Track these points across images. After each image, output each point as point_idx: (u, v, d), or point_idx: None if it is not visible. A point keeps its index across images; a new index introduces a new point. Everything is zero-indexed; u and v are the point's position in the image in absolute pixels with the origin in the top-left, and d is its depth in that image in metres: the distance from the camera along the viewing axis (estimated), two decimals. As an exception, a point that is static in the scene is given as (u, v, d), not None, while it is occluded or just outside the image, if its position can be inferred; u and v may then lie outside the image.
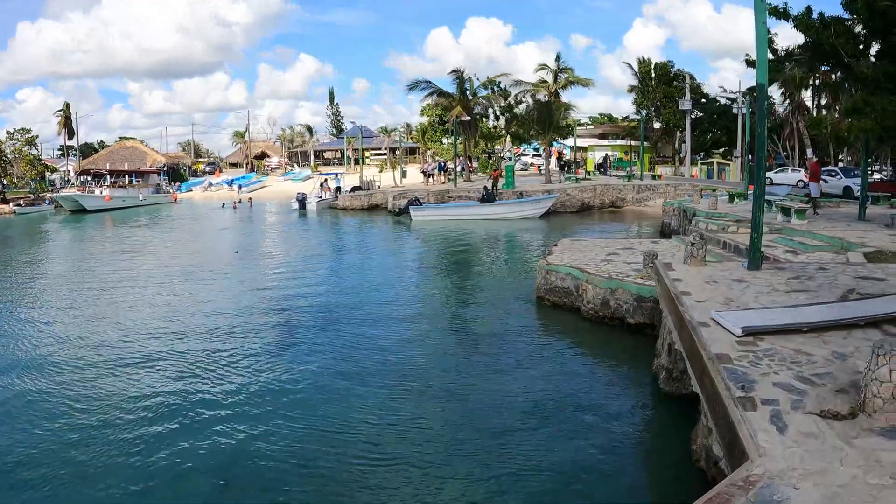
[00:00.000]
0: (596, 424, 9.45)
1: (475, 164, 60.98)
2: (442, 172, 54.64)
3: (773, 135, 47.00)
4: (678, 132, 56.96)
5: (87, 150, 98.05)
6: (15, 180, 67.20)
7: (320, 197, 51.76)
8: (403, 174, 59.81)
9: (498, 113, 55.37)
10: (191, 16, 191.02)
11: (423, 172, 56.36)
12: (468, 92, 51.35)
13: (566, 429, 9.31)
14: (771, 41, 18.53)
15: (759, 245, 11.45)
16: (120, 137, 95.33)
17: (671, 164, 58.88)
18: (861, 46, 17.53)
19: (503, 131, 56.10)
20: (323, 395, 10.92)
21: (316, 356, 13.17)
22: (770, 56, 18.68)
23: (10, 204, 59.32)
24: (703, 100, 58.56)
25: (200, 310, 17.70)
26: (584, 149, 68.59)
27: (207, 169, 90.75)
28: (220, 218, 48.61)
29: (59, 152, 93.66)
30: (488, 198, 39.86)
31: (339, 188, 52.75)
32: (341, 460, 8.50)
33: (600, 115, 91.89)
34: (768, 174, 46.62)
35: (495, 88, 53.54)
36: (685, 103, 53.05)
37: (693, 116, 56.18)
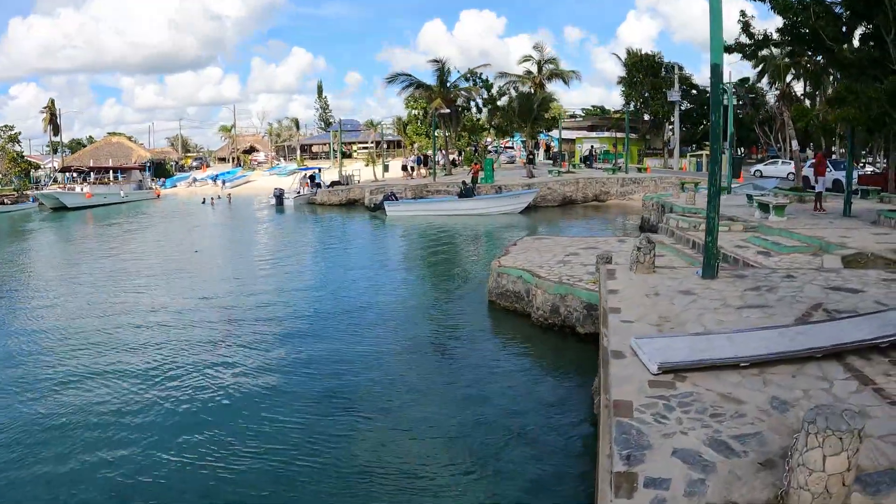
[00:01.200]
0: (523, 456, 7.98)
1: (461, 158, 59.32)
2: (421, 166, 52.94)
3: (765, 127, 45.34)
4: (667, 124, 55.19)
5: (77, 147, 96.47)
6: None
7: (298, 192, 50.14)
8: (385, 168, 58.16)
9: (480, 105, 53.54)
10: (182, 10, 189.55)
11: (404, 167, 54.72)
12: (448, 84, 49.50)
13: (490, 458, 8.01)
14: (748, 24, 16.93)
15: (715, 250, 9.84)
16: (108, 133, 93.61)
17: (661, 156, 57.12)
18: (844, 30, 15.86)
19: (486, 124, 54.21)
20: (233, 407, 10.12)
21: (235, 365, 12.24)
22: (746, 40, 17.09)
23: (-5, 201, 57.89)
24: (694, 91, 56.80)
25: (130, 314, 16.62)
26: (573, 141, 66.90)
27: (195, 164, 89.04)
28: (195, 215, 47.17)
29: (49, 149, 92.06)
30: (467, 192, 38.28)
31: (318, 183, 50.97)
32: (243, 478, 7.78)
33: (593, 107, 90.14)
34: (758, 166, 45.11)
35: (477, 80, 51.78)
36: (673, 94, 51.27)
37: (683, 108, 54.48)
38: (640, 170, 46.66)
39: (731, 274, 10.17)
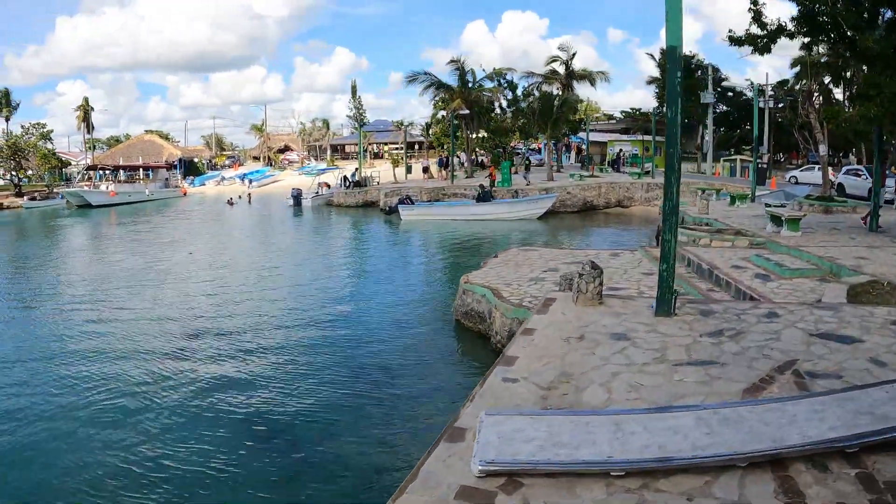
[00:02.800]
0: None
1: (486, 160, 57.20)
2: (442, 168, 50.98)
3: (804, 131, 42.27)
4: (701, 127, 52.22)
5: (115, 144, 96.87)
6: (29, 174, 65.88)
7: (316, 193, 48.65)
8: (408, 170, 56.38)
9: (504, 106, 51.24)
10: (224, 9, 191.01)
11: (425, 168, 52.90)
12: (470, 84, 47.37)
13: None
14: (759, 13, 14.57)
15: (670, 283, 7.72)
16: (145, 130, 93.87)
17: (694, 160, 54.11)
18: (866, 16, 13.43)
19: (511, 125, 51.89)
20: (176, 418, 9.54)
21: (174, 379, 11.45)
22: (758, 31, 14.77)
23: (25, 197, 58.08)
24: (730, 93, 53.70)
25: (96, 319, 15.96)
26: (604, 144, 64.26)
27: (227, 163, 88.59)
28: (211, 214, 46.35)
29: (87, 146, 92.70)
30: (484, 196, 36.28)
31: (356, 182, 49.29)
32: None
33: (632, 109, 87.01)
34: (794, 173, 42.09)
35: (502, 81, 49.56)
36: (707, 96, 48.28)
37: (718, 111, 51.52)
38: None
39: (697, 310, 8.00)
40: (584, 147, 63.95)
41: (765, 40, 14.52)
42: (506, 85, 49.65)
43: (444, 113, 52.09)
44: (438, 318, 15.39)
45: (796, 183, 38.43)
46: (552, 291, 9.83)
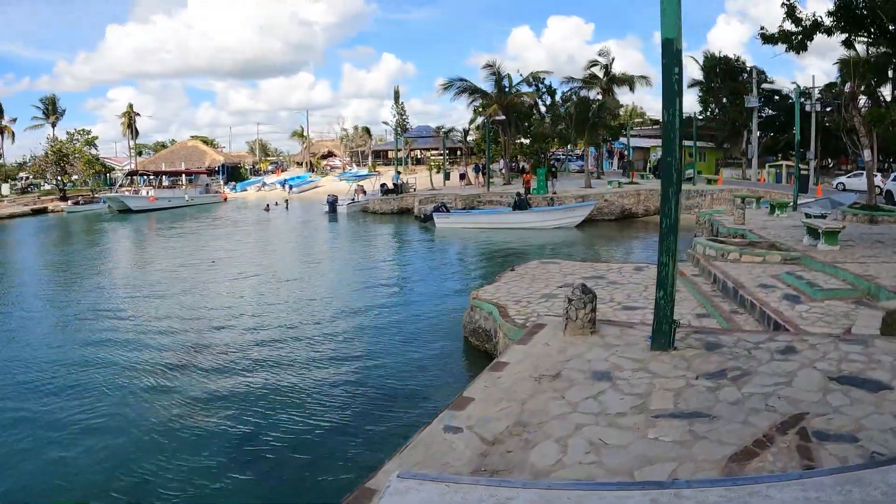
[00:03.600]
0: None
1: (528, 166, 56.09)
2: (479, 174, 50.07)
3: (853, 135, 40.25)
4: (745, 131, 50.25)
5: (161, 149, 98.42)
6: (74, 179, 67.09)
7: (353, 199, 48.19)
8: (447, 176, 55.60)
9: (543, 112, 50.02)
10: (271, 17, 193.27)
11: (462, 175, 52.08)
12: (507, 89, 46.35)
13: None
14: (793, 8, 13.40)
15: (668, 312, 6.71)
16: (191, 136, 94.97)
17: (739, 166, 52.12)
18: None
19: (550, 131, 50.63)
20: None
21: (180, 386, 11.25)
22: (792, 27, 13.59)
23: (69, 202, 59.16)
24: (776, 97, 51.61)
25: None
26: (648, 150, 62.55)
27: (270, 168, 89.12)
28: (247, 220, 46.22)
29: (136, 152, 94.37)
30: (520, 204, 35.28)
31: (398, 186, 48.79)
32: None
33: (694, 114, 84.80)
34: (841, 179, 40.08)
35: (540, 85, 48.42)
36: (751, 100, 46.35)
37: (764, 114, 49.54)
38: (709, 181, 42.25)
39: (702, 342, 6.97)
40: (626, 153, 62.39)
41: (800, 37, 13.33)
42: (544, 90, 48.50)
43: (482, 119, 51.19)
44: (450, 334, 14.54)
45: (843, 189, 36.55)
46: (545, 316, 8.88)
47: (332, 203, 46.99)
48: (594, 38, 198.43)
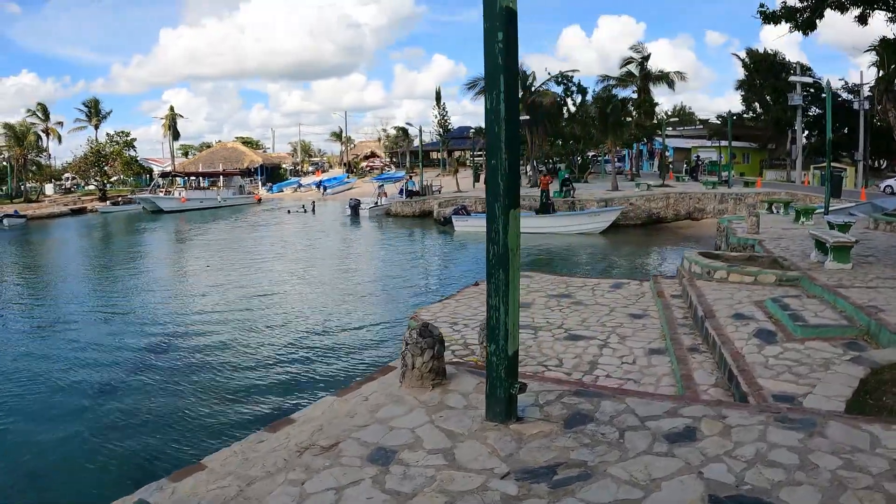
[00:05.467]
0: None
1: (560, 167, 53.47)
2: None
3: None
4: (790, 131, 46.64)
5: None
6: (113, 180, 67.30)
7: (375, 203, 46.47)
8: (477, 178, 53.40)
9: (572, 111, 47.30)
10: (322, 19, 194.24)
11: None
12: (533, 88, 43.87)
13: None
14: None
15: (501, 372, 4.55)
16: (236, 137, 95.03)
17: (784, 168, 48.49)
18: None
19: (580, 132, 47.93)
20: None
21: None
22: (796, 2, 11.15)
23: (107, 202, 59.36)
24: (824, 95, 47.65)
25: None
26: (688, 150, 59.27)
27: (310, 169, 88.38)
28: (269, 223, 45.05)
29: (182, 152, 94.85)
30: (545, 208, 33.00)
31: (412, 191, 47.01)
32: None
33: (729, 112, 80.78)
34: (889, 181, 36.59)
35: (569, 84, 45.79)
36: (795, 98, 42.75)
37: (812, 113, 45.92)
38: (747, 184, 39.05)
39: (568, 411, 4.74)
40: (667, 154, 59.24)
41: (806, 13, 10.85)
42: (574, 88, 45.87)
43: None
44: (394, 354, 12.59)
45: (892, 193, 33.08)
46: (471, 345, 6.84)
47: (355, 207, 45.54)
48: (645, 38, 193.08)
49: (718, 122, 70.56)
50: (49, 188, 65.94)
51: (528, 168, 48.43)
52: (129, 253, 32.31)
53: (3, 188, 61.84)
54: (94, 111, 66.34)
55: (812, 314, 8.18)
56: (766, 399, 5.75)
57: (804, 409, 5.03)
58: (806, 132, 46.72)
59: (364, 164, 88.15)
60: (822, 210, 19.97)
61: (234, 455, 4.32)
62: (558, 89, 45.90)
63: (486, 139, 4.52)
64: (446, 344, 9.25)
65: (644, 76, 46.81)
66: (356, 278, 22.11)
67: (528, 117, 41.86)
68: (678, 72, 47.34)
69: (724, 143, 54.20)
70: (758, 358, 6.92)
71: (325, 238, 35.29)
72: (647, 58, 45.99)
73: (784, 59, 47.46)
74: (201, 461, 4.26)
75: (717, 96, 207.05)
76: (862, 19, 11.15)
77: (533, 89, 43.84)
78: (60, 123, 69.70)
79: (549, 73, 44.87)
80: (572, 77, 45.39)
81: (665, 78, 46.73)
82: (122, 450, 8.97)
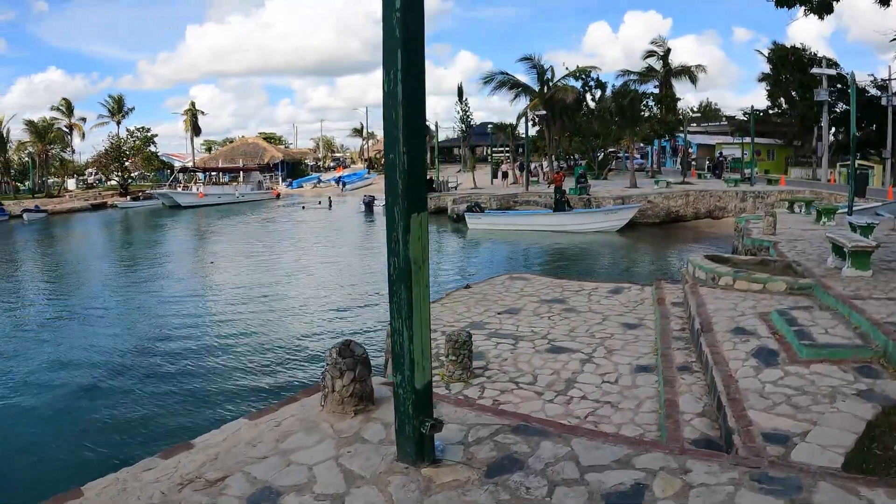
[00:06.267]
0: None
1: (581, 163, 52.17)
2: (522, 173, 46.67)
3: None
4: (816, 128, 44.91)
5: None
6: (134, 175, 67.31)
7: (390, 200, 45.59)
8: (495, 175, 52.38)
9: (591, 106, 45.95)
10: (348, 16, 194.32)
11: (504, 173, 48.84)
12: (550, 83, 42.65)
13: None
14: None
15: (408, 407, 3.67)
16: (259, 133, 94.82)
17: (810, 165, 46.74)
18: None
19: (599, 128, 46.58)
20: None
21: None
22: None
23: (127, 197, 59.40)
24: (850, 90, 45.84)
25: None
26: (712, 147, 57.63)
27: (332, 164, 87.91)
28: (281, 219, 44.47)
29: (205, 148, 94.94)
30: (560, 206, 31.94)
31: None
32: None
33: (752, 108, 78.71)
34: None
35: (588, 79, 44.45)
36: (821, 93, 41.03)
37: (838, 110, 44.18)
38: (770, 181, 37.58)
39: (497, 454, 3.82)
40: (690, 150, 57.65)
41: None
42: (593, 83, 44.53)
43: (535, 113, 47.60)
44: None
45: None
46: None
47: (369, 203, 44.85)
48: (672, 34, 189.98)
49: (745, 119, 68.86)
50: (71, 183, 66.09)
51: (546, 165, 47.25)
52: (134, 249, 32.37)
53: (26, 183, 62.12)
54: (116, 107, 66.33)
55: (822, 330, 7.15)
56: (755, 438, 4.80)
57: (790, 463, 4.06)
58: (833, 129, 44.93)
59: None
60: (846, 210, 18.73)
61: (114, 483, 3.66)
62: (577, 85, 44.62)
63: (384, 128, 3.63)
64: None
65: (665, 70, 45.39)
66: (355, 280, 21.27)
67: (544, 112, 40.78)
68: (699, 65, 45.90)
69: (747, 139, 52.79)
70: (753, 384, 5.95)
71: (334, 236, 34.54)
72: (668, 52, 44.61)
73: (815, 54, 45.72)
74: (81, 487, 3.61)
75: (743, 93, 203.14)
76: (883, 1, 10.01)
77: (551, 84, 42.61)
78: (84, 119, 69.92)
79: (566, 69, 43.62)
80: (591, 72, 44.09)
81: (687, 72, 45.28)
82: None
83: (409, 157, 3.52)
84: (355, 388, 4.68)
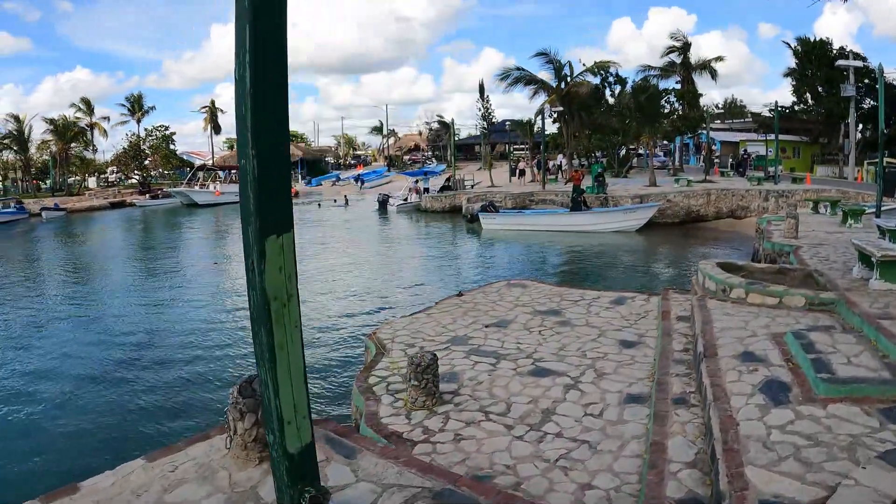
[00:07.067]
0: None
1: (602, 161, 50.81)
2: (537, 171, 45.55)
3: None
4: (842, 124, 43.14)
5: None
6: (153, 174, 67.21)
7: (405, 199, 44.72)
8: (513, 173, 51.29)
9: (610, 102, 44.60)
10: (372, 14, 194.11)
11: (521, 171, 47.72)
12: (568, 78, 41.40)
13: None
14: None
15: (285, 476, 2.75)
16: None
17: (837, 163, 44.95)
18: None
19: (618, 125, 45.22)
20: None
21: None
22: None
23: (146, 196, 59.32)
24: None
25: None
26: (736, 144, 55.97)
27: (352, 162, 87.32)
28: (296, 218, 43.66)
29: (227, 146, 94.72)
30: (577, 205, 30.83)
31: (427, 189, 45.32)
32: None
33: (776, 104, 76.63)
34: None
35: (608, 75, 43.12)
36: (848, 88, 39.26)
37: (866, 106, 42.40)
38: (795, 180, 36.04)
39: None
40: (714, 148, 56.01)
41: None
42: (612, 79, 43.20)
43: (551, 110, 46.31)
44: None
45: None
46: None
47: (383, 202, 44.07)
48: (696, 30, 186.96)
49: (769, 115, 66.89)
50: (92, 182, 66.16)
51: (564, 162, 46.07)
52: (141, 248, 32.28)
53: (47, 181, 62.22)
54: (136, 106, 66.20)
55: (843, 359, 6.07)
56: (752, 509, 3.77)
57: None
58: (860, 125, 43.14)
59: (407, 157, 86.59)
60: (874, 210, 17.43)
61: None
62: (596, 80, 43.33)
63: (236, 127, 2.70)
64: (390, 372, 7.54)
65: (683, 64, 43.92)
66: (355, 282, 20.38)
67: (561, 108, 39.61)
68: (718, 57, 44.26)
69: (772, 136, 51.06)
70: (757, 429, 4.90)
71: (344, 234, 33.75)
72: (688, 45, 43.12)
73: (843, 48, 43.95)
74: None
75: (769, 89, 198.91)
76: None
77: (568, 80, 41.37)
78: (107, 118, 69.95)
79: (584, 65, 42.31)
80: (609, 67, 42.76)
81: (707, 67, 43.77)
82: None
83: (260, 161, 2.61)
84: (258, 433, 3.82)
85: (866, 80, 40.93)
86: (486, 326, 9.52)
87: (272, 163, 2.66)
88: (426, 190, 44.92)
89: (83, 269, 25.22)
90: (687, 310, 9.47)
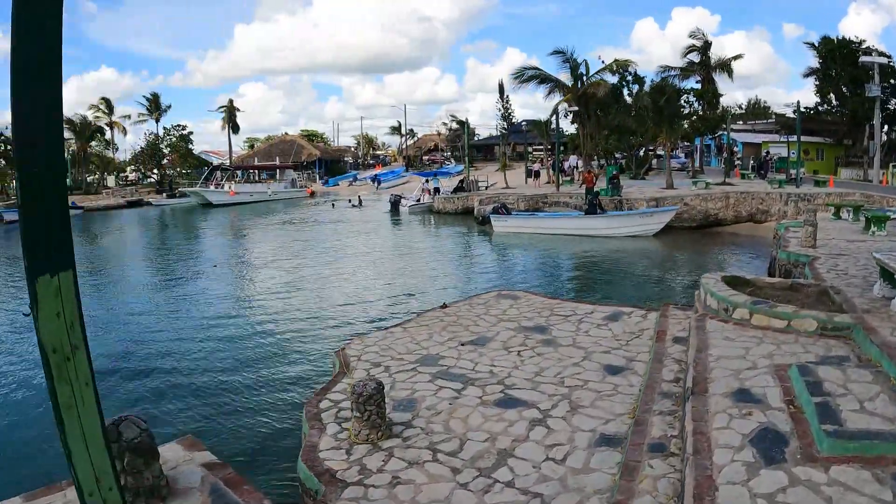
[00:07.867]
0: None
1: (621, 162, 49.57)
2: (552, 172, 44.44)
3: None
4: (867, 126, 41.52)
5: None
6: (170, 173, 67.15)
7: (417, 200, 43.88)
8: (529, 174, 50.23)
9: (629, 102, 43.35)
10: (394, 14, 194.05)
11: (536, 173, 46.68)
12: (584, 77, 40.24)
13: None
14: None
15: None
16: (301, 130, 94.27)
17: (861, 165, 43.31)
18: None
19: (635, 125, 44.00)
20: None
21: None
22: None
23: (163, 195, 59.30)
24: (905, 85, 42.37)
25: None
26: (758, 145, 54.38)
27: (371, 162, 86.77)
28: (308, 219, 43.27)
29: (247, 145, 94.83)
30: (592, 208, 29.75)
31: (437, 189, 44.47)
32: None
33: (798, 104, 74.67)
34: None
35: (626, 74, 41.89)
36: (873, 88, 37.62)
37: (891, 106, 40.74)
38: (818, 183, 34.59)
39: None
40: (735, 149, 54.47)
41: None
42: (630, 79, 41.96)
43: (567, 109, 45.15)
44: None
45: None
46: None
47: (395, 203, 43.27)
48: (720, 30, 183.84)
49: (793, 116, 65.06)
50: (111, 180, 66.28)
51: (581, 164, 44.92)
52: (148, 248, 31.60)
53: (66, 180, 62.26)
54: (154, 105, 66.15)
55: (855, 404, 5.03)
56: None
57: None
58: (885, 126, 41.49)
59: (426, 157, 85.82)
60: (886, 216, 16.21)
61: None
62: (614, 80, 42.14)
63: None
64: (346, 396, 6.76)
65: (703, 64, 42.61)
66: (353, 285, 19.50)
67: (576, 108, 38.53)
68: (738, 55, 42.84)
69: (793, 137, 49.44)
70: (738, 496, 3.94)
71: (351, 237, 32.87)
72: (708, 45, 41.76)
73: (868, 46, 42.31)
74: None
75: (794, 90, 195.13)
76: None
77: (585, 79, 40.24)
78: (128, 117, 70.04)
79: (602, 63, 41.15)
80: (628, 66, 41.52)
81: (726, 67, 42.39)
82: None
83: (23, 182, 1.82)
84: (127, 482, 2.99)
85: (892, 81, 39.33)
86: (462, 345, 8.62)
87: (40, 183, 1.87)
88: (437, 190, 44.07)
89: (83, 270, 24.70)
90: (686, 329, 8.49)
